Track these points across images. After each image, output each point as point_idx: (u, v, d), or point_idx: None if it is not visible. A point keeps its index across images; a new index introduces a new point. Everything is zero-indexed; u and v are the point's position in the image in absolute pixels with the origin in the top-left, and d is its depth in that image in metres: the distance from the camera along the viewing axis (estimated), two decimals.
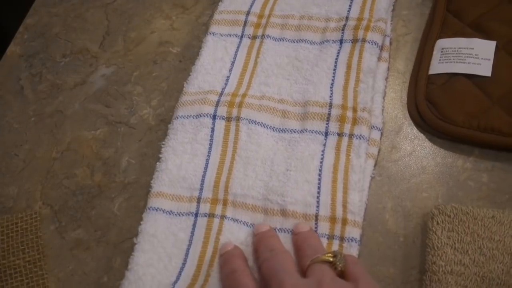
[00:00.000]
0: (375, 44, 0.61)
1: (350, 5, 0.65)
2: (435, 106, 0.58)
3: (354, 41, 0.61)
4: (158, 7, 0.73)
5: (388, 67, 0.62)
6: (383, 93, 0.60)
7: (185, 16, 0.71)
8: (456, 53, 0.60)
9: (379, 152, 0.57)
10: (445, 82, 0.59)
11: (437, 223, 0.50)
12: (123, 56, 0.69)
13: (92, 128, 0.63)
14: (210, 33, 0.65)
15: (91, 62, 0.69)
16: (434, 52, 0.62)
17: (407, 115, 0.60)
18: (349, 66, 0.60)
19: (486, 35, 0.61)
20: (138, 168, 0.60)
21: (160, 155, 0.57)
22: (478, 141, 0.55)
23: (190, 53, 0.68)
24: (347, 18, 0.64)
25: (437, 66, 0.60)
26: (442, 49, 0.61)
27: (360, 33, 0.61)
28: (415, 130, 0.59)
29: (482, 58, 0.59)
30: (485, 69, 0.58)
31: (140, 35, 0.71)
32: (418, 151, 0.57)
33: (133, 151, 0.61)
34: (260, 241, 0.50)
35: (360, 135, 0.55)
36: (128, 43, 0.70)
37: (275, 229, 0.52)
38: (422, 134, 0.58)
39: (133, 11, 0.73)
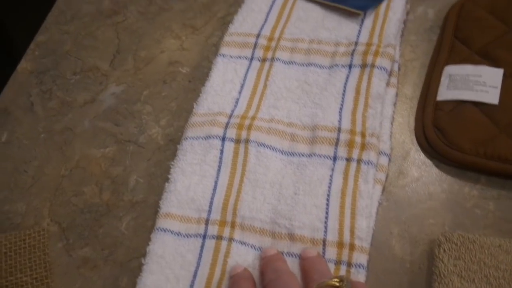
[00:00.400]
0: (384, 69, 0.61)
1: (359, 30, 0.66)
2: (442, 133, 0.58)
3: (363, 66, 0.62)
4: (168, 27, 0.74)
5: (397, 93, 0.63)
6: (391, 119, 0.61)
7: (195, 36, 0.72)
8: (463, 80, 0.61)
9: (386, 177, 0.57)
10: (453, 109, 0.60)
11: (444, 251, 0.50)
12: (133, 75, 0.69)
13: (101, 146, 0.64)
14: (220, 55, 0.66)
15: (101, 80, 0.70)
16: (442, 78, 0.62)
17: (415, 140, 0.60)
18: (358, 91, 0.60)
19: (494, 63, 0.62)
20: (146, 188, 0.60)
21: (169, 176, 0.58)
22: (485, 168, 0.56)
23: (200, 74, 0.68)
24: (356, 43, 0.64)
25: (445, 93, 0.61)
26: (450, 75, 0.62)
27: (369, 58, 0.62)
28: (422, 156, 0.59)
29: (490, 86, 0.60)
30: (492, 97, 0.59)
31: (150, 54, 0.71)
32: (425, 177, 0.57)
33: (141, 170, 0.61)
34: (267, 264, 0.51)
35: (369, 160, 0.56)
36: (138, 62, 0.71)
37: (282, 253, 0.52)
38: (429, 160, 0.59)
39: (143, 30, 0.74)
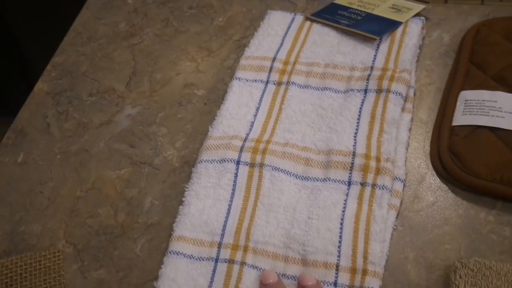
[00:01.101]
0: (399, 95, 0.61)
1: (375, 55, 0.66)
2: (458, 158, 0.58)
3: (379, 91, 0.62)
4: (184, 49, 0.74)
5: (412, 118, 0.63)
6: (406, 144, 0.61)
7: (210, 59, 0.73)
8: (479, 105, 0.61)
9: (401, 202, 0.57)
10: (468, 134, 0.59)
11: (460, 277, 0.50)
12: (149, 97, 0.70)
13: (116, 168, 0.64)
14: (236, 78, 0.66)
15: (117, 101, 0.70)
16: (458, 104, 0.62)
17: (430, 165, 0.60)
18: (373, 116, 0.60)
19: (510, 88, 0.62)
20: (161, 210, 0.60)
21: (183, 199, 0.58)
22: (501, 194, 0.56)
23: (215, 96, 0.69)
24: (372, 67, 0.64)
25: (460, 118, 0.61)
26: (466, 100, 0.62)
27: (385, 83, 0.62)
28: (437, 180, 0.59)
29: (506, 112, 0.60)
30: (508, 123, 0.59)
31: (166, 76, 0.72)
32: (440, 202, 0.57)
33: (156, 192, 0.62)
34: None
35: (383, 185, 0.56)
36: (153, 84, 0.71)
37: (294, 278, 0.52)
38: (444, 185, 0.58)
39: (159, 52, 0.75)
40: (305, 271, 0.52)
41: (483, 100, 0.61)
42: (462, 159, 0.58)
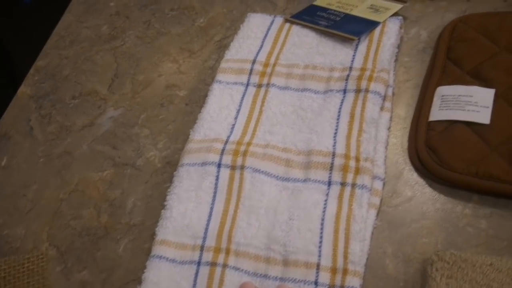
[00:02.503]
0: (378, 94, 0.62)
1: (353, 55, 0.66)
2: (434, 153, 0.59)
3: (358, 91, 0.63)
4: (165, 51, 0.75)
5: (391, 117, 0.64)
6: (385, 143, 0.61)
7: (191, 60, 0.73)
8: (455, 101, 0.62)
9: (381, 201, 0.58)
10: (445, 129, 0.60)
11: (436, 270, 0.51)
12: (131, 99, 0.71)
13: (99, 170, 0.65)
14: (217, 81, 0.67)
15: (99, 104, 0.71)
16: (434, 99, 0.63)
17: (408, 160, 0.61)
18: (352, 116, 0.61)
19: (485, 83, 0.63)
20: (143, 210, 0.61)
21: (165, 203, 0.58)
22: (477, 188, 0.57)
23: (196, 97, 0.69)
24: (350, 68, 0.65)
25: (437, 113, 0.62)
26: (442, 96, 0.63)
27: (364, 83, 0.63)
28: (415, 175, 0.60)
29: (481, 106, 0.61)
30: (484, 117, 0.60)
31: (148, 78, 0.73)
32: (418, 196, 0.58)
33: (139, 193, 0.62)
34: None
35: (363, 185, 0.56)
36: (136, 86, 0.72)
37: (276, 278, 0.53)
38: (422, 180, 0.59)
39: (141, 54, 0.75)
40: (286, 271, 0.53)
41: (459, 95, 0.62)
42: (438, 153, 0.59)
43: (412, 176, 0.60)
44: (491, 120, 0.60)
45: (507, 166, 0.56)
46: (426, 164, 0.59)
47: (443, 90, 0.63)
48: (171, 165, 0.64)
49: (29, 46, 0.97)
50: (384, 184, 0.59)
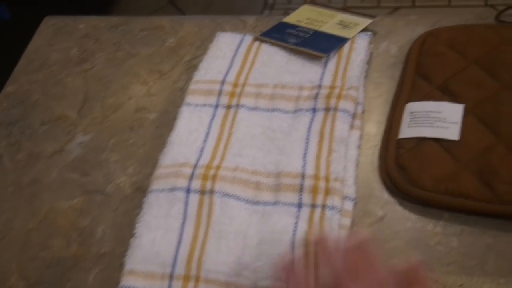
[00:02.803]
0: (347, 112, 0.61)
1: (323, 73, 0.66)
2: (404, 171, 0.59)
3: (327, 109, 0.62)
4: (135, 72, 0.74)
5: (361, 135, 0.63)
6: (355, 162, 0.61)
7: (162, 81, 0.73)
8: (425, 117, 0.62)
9: (352, 222, 0.57)
10: (414, 146, 0.60)
11: None
12: (101, 123, 0.70)
13: (69, 198, 0.64)
14: (186, 104, 0.66)
15: (69, 129, 0.70)
16: (404, 116, 0.63)
17: (379, 179, 0.60)
18: (321, 136, 0.61)
19: (455, 98, 0.62)
20: (113, 238, 0.60)
21: (135, 231, 0.58)
22: (447, 205, 0.56)
23: (166, 119, 0.69)
24: (319, 86, 0.65)
25: (406, 130, 0.61)
26: (411, 112, 0.62)
27: (333, 102, 0.62)
28: (386, 194, 0.59)
29: (450, 122, 0.60)
30: (453, 133, 0.60)
31: (118, 101, 0.72)
32: (389, 216, 0.58)
33: (108, 220, 0.62)
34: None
35: (333, 206, 0.56)
36: (105, 110, 0.71)
37: None
38: (393, 198, 0.59)
39: (111, 77, 0.75)
40: None
41: (428, 111, 0.62)
42: (408, 172, 0.58)
43: (383, 195, 0.59)
44: (460, 136, 0.59)
45: (477, 183, 0.56)
46: (396, 183, 0.59)
47: (412, 107, 0.63)
48: (141, 190, 0.63)
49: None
50: (355, 204, 0.59)
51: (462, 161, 0.58)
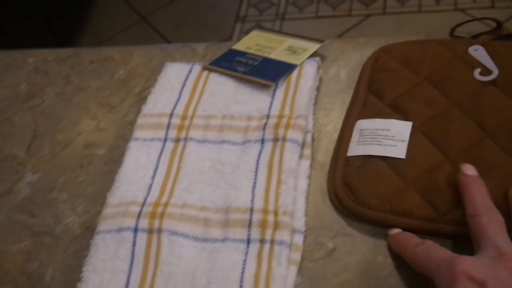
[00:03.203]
0: (295, 142, 0.61)
1: (271, 102, 0.65)
2: (351, 190, 0.58)
3: (275, 140, 0.61)
4: (85, 106, 0.73)
5: (311, 164, 0.62)
6: (305, 193, 0.60)
7: (111, 115, 0.72)
8: (373, 135, 0.61)
9: (302, 256, 0.56)
10: (362, 164, 0.59)
11: None
12: (50, 161, 0.69)
13: (16, 241, 0.62)
14: (133, 139, 0.65)
15: (17, 169, 0.69)
16: (354, 133, 0.62)
17: (329, 208, 0.59)
18: (270, 167, 0.60)
19: (404, 116, 0.62)
20: (62, 282, 0.59)
21: (81, 275, 0.56)
22: (392, 224, 0.56)
23: (116, 155, 0.68)
24: (268, 116, 0.64)
25: (355, 148, 0.61)
26: (361, 130, 0.62)
27: (281, 132, 0.61)
28: (337, 225, 0.58)
29: (398, 140, 0.60)
30: (400, 151, 0.59)
31: (67, 137, 0.71)
32: (340, 248, 0.57)
33: (57, 263, 0.60)
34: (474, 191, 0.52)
35: (281, 241, 0.55)
36: (55, 147, 0.70)
37: None
38: (343, 229, 0.58)
39: (60, 112, 0.73)
40: None
41: (376, 129, 0.61)
42: (355, 190, 0.58)
43: (333, 226, 0.58)
44: (407, 154, 0.59)
45: (421, 201, 0.56)
46: (343, 202, 0.58)
47: (362, 124, 0.62)
48: (90, 230, 0.62)
49: None
50: (305, 237, 0.58)
51: (407, 179, 0.57)
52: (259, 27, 0.75)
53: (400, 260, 0.55)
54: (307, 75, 0.67)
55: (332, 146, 0.64)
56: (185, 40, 2.29)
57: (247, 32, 2.45)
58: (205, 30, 2.38)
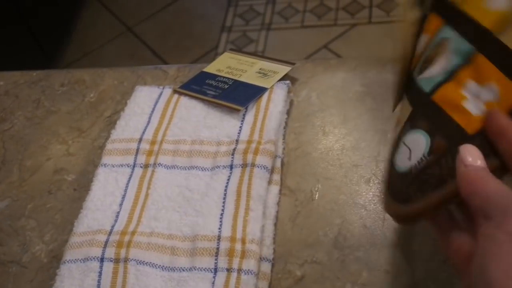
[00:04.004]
0: (264, 168, 0.60)
1: (240, 127, 0.65)
2: None
3: (244, 166, 0.61)
4: (54, 131, 0.73)
5: (280, 190, 0.62)
6: (274, 220, 0.59)
7: (81, 139, 0.71)
8: None
9: (269, 285, 0.56)
10: None
11: None
12: (18, 188, 0.68)
13: None
14: (102, 165, 0.64)
15: None
16: None
17: (298, 234, 0.59)
18: (238, 194, 0.59)
19: None
20: None
21: None
22: None
23: (85, 180, 0.67)
24: (237, 141, 0.63)
25: None
26: None
27: (249, 157, 0.61)
28: (305, 253, 0.58)
29: None
30: None
31: (36, 163, 0.70)
32: (308, 275, 0.56)
33: None
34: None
35: (248, 270, 0.54)
36: (23, 173, 0.69)
37: None
38: (311, 257, 0.57)
39: (30, 137, 0.73)
40: None
41: None
42: None
43: (302, 253, 0.58)
44: None
45: None
46: None
47: None
48: (57, 259, 0.61)
49: None
50: (273, 265, 0.57)
51: None
52: (231, 49, 0.75)
53: None
54: (277, 99, 0.66)
55: (302, 171, 0.63)
56: (172, 50, 2.28)
57: (233, 42, 2.47)
58: (191, 41, 2.38)
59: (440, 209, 0.44)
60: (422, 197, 0.44)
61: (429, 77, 0.45)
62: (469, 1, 0.44)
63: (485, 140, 0.41)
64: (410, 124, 0.46)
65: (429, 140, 0.44)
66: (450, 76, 0.44)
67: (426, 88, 0.45)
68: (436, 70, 0.45)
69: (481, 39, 0.42)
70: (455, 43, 0.44)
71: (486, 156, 0.40)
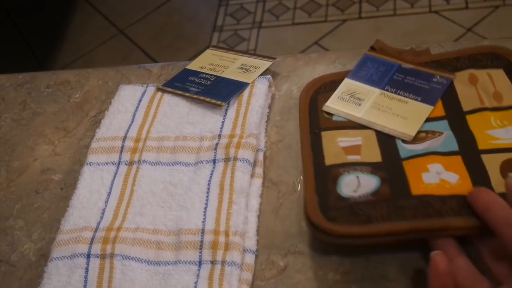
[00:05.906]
0: (246, 161, 0.61)
1: (223, 122, 0.66)
2: None
3: (226, 160, 0.62)
4: (41, 132, 0.73)
5: (263, 182, 0.63)
6: (257, 212, 0.60)
7: (67, 139, 0.72)
8: None
9: (253, 276, 0.57)
10: None
11: None
12: (6, 188, 0.69)
13: None
14: (87, 164, 0.65)
15: None
16: None
17: (280, 225, 0.60)
18: (221, 188, 0.60)
19: None
20: None
21: None
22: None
23: (72, 179, 0.68)
24: (219, 136, 0.64)
25: None
26: None
27: (232, 151, 0.62)
28: (288, 243, 0.59)
29: None
30: None
31: (23, 163, 0.71)
32: (291, 265, 0.57)
33: None
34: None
35: (232, 261, 0.55)
36: (11, 174, 0.70)
37: None
38: (294, 247, 0.58)
39: (16, 138, 0.73)
40: None
41: None
42: None
43: (284, 244, 0.59)
44: None
45: None
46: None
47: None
48: (45, 257, 0.62)
49: None
50: (256, 256, 0.58)
51: None
52: (213, 46, 0.76)
53: (350, 277, 0.55)
54: (258, 94, 0.67)
55: (284, 163, 0.64)
56: (164, 51, 2.27)
57: (225, 41, 2.48)
58: (183, 41, 2.39)
59: (353, 243, 0.54)
60: (346, 223, 0.52)
61: (412, 149, 0.57)
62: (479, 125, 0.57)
63: (420, 203, 0.52)
64: (371, 170, 0.56)
65: (379, 185, 0.55)
66: (427, 154, 0.56)
67: (403, 154, 0.57)
68: (420, 147, 0.57)
69: (468, 150, 0.55)
70: (447, 138, 0.57)
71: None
